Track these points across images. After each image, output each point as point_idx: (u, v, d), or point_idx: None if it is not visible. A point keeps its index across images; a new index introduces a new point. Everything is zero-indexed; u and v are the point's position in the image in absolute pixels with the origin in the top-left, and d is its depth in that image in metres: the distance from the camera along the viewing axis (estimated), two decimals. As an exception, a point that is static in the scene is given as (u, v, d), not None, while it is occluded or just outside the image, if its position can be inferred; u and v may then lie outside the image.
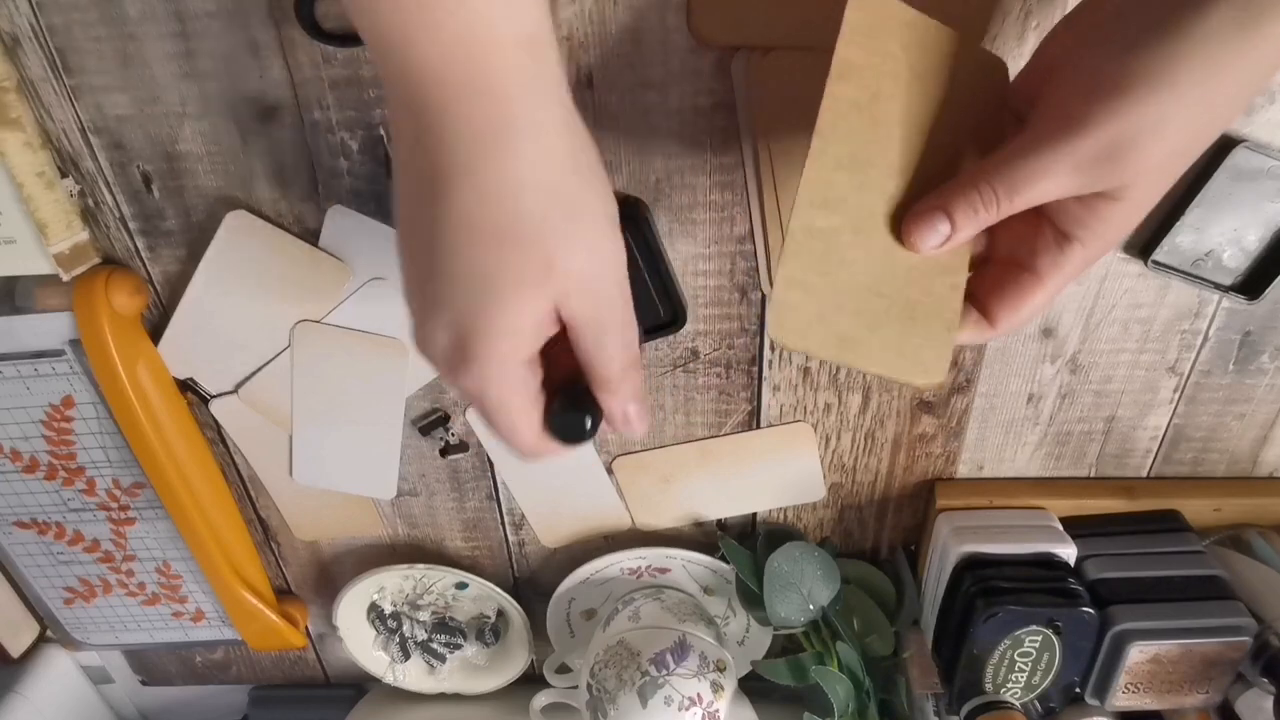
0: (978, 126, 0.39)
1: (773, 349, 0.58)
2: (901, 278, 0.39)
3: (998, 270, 0.39)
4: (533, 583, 0.73)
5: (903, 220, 0.37)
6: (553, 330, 0.34)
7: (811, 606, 0.62)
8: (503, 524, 0.69)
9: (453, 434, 0.64)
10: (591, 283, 0.33)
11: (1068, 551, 0.58)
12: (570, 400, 0.37)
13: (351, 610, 0.72)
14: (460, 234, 0.31)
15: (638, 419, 0.38)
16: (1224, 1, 0.30)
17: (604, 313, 0.34)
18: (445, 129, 0.30)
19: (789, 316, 0.38)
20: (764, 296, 0.56)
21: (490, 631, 0.74)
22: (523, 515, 0.68)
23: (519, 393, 0.35)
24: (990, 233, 0.38)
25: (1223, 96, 0.32)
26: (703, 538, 0.68)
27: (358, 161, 0.52)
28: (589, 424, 0.37)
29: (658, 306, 0.53)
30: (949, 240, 0.36)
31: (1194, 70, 0.31)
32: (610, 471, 0.65)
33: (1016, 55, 0.46)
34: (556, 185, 0.31)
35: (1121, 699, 0.59)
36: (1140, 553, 0.60)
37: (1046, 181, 0.34)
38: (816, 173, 0.37)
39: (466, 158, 0.30)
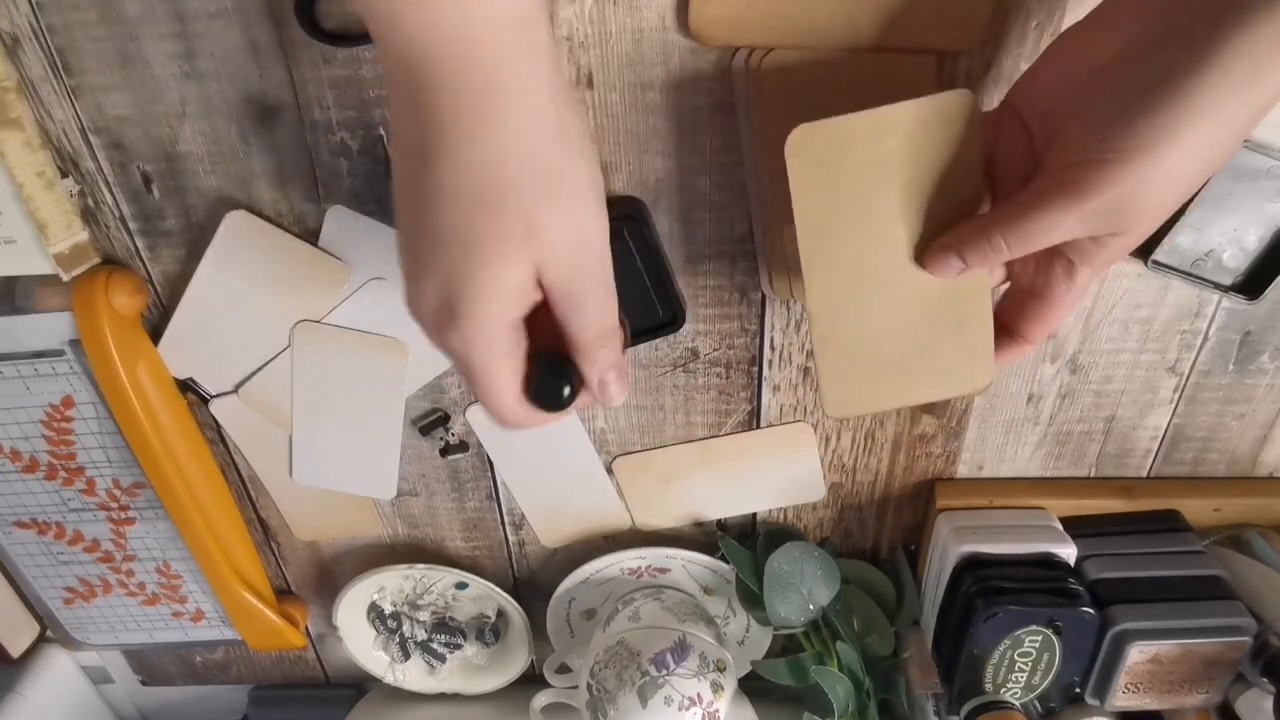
0: (960, 155, 0.40)
1: (773, 349, 0.58)
2: (929, 311, 0.42)
3: (1018, 295, 0.43)
4: (533, 583, 0.73)
5: (926, 250, 0.40)
6: (536, 296, 0.35)
7: (811, 606, 0.62)
8: (503, 524, 0.69)
9: (453, 434, 0.64)
10: (570, 250, 0.34)
11: (1068, 551, 0.58)
12: (550, 368, 0.38)
13: (351, 610, 0.72)
14: (447, 198, 0.32)
15: (615, 388, 0.39)
16: (1227, 56, 0.31)
17: (582, 280, 0.35)
18: (436, 100, 0.31)
19: (838, 393, 0.42)
20: (764, 297, 0.56)
21: (490, 631, 0.74)
22: (523, 515, 0.68)
23: (502, 356, 0.36)
24: (1008, 264, 0.42)
25: (1225, 143, 0.33)
26: (703, 538, 0.68)
27: (358, 161, 0.52)
28: (567, 391, 0.38)
29: (656, 306, 0.53)
30: (963, 273, 0.40)
31: (1196, 131, 0.32)
32: (610, 471, 0.65)
33: (1017, 55, 0.46)
34: (541, 154, 0.32)
35: (1121, 699, 0.59)
36: (1140, 553, 0.60)
37: (1054, 233, 0.36)
38: (814, 269, 0.41)
39: (455, 127, 0.31)
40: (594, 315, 0.36)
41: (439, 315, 0.35)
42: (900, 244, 0.41)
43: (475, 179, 0.32)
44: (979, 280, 0.41)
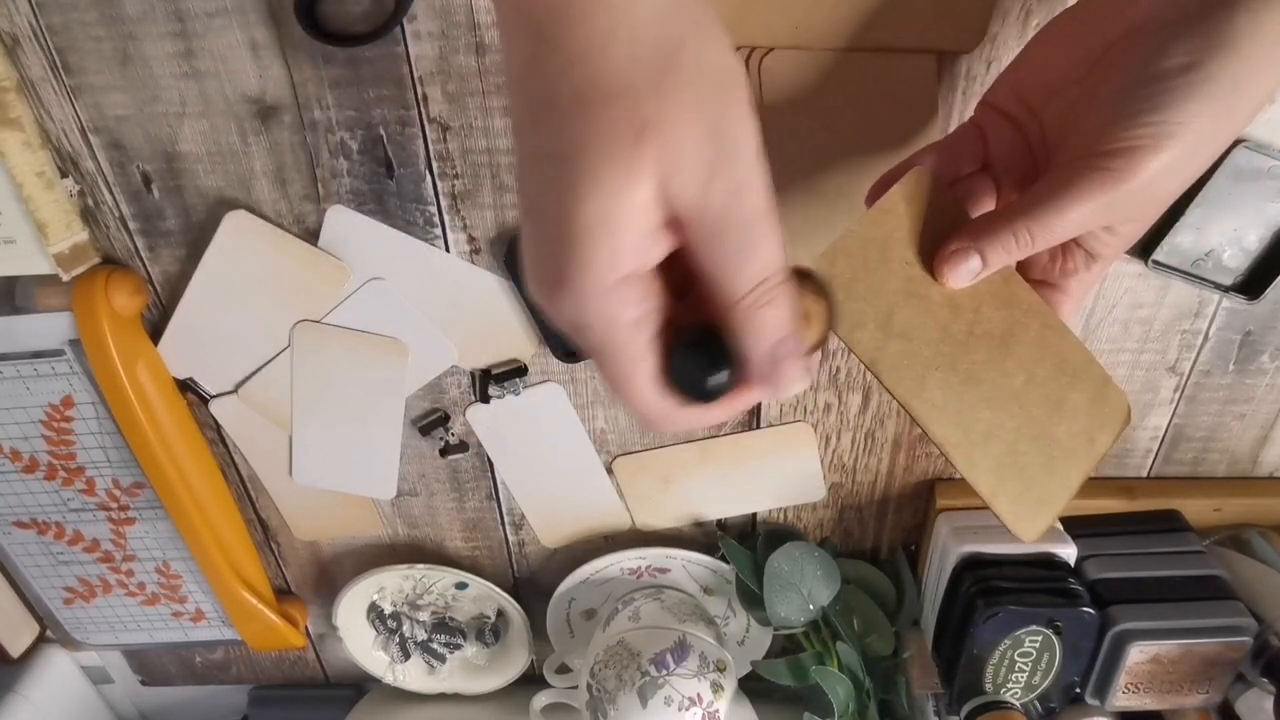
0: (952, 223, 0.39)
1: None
2: (1038, 377, 0.40)
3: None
4: (533, 583, 0.73)
5: (935, 259, 0.38)
6: (669, 241, 0.27)
7: (811, 606, 0.62)
8: (503, 524, 0.69)
9: (453, 434, 0.64)
10: (704, 158, 0.26)
11: (1068, 551, 0.58)
12: (695, 341, 0.28)
13: (351, 610, 0.72)
14: (547, 110, 0.26)
15: (791, 367, 0.29)
16: (1244, 38, 0.31)
17: (726, 201, 0.26)
18: (542, 20, 0.25)
19: (1019, 517, 0.40)
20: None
21: (490, 631, 0.74)
22: (523, 515, 0.68)
23: (624, 325, 0.27)
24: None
25: (1237, 125, 0.33)
26: (703, 538, 0.68)
27: (358, 161, 0.52)
28: (719, 374, 0.28)
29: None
30: (979, 275, 0.37)
31: (1215, 113, 0.32)
32: (610, 471, 0.65)
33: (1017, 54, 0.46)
34: (652, 31, 0.25)
35: (1122, 699, 0.59)
36: (1140, 553, 0.60)
37: (1085, 222, 0.35)
38: (927, 414, 0.39)
39: (551, 31, 0.25)
40: (748, 255, 0.27)
41: (546, 274, 0.27)
42: (959, 331, 0.39)
43: (573, 79, 0.25)
44: (1048, 317, 0.40)
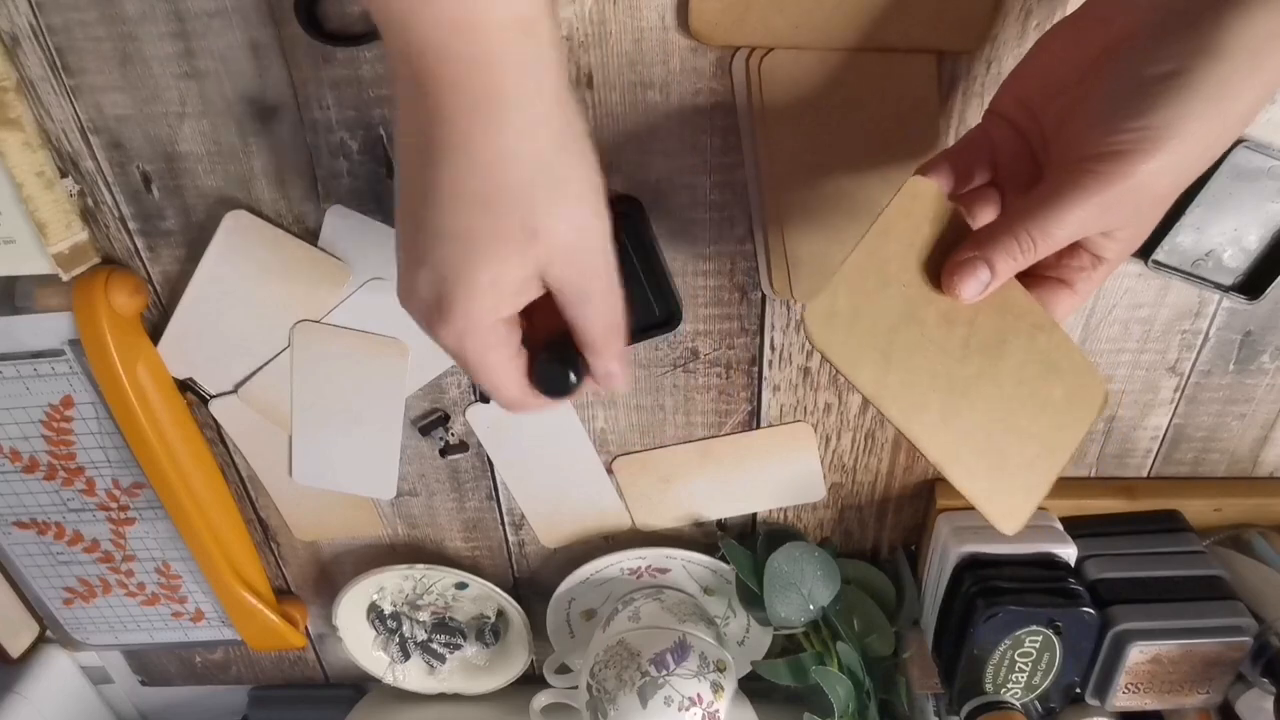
0: (955, 236, 0.39)
1: (773, 349, 0.58)
2: (1021, 373, 0.41)
3: (1034, 285, 0.41)
4: (533, 583, 0.73)
5: (943, 272, 0.38)
6: (535, 294, 0.36)
7: (811, 606, 0.62)
8: (503, 524, 0.69)
9: (453, 434, 0.64)
10: (574, 251, 0.34)
11: (1068, 551, 0.58)
12: (555, 354, 0.39)
13: (351, 610, 0.72)
14: (447, 198, 0.33)
15: (620, 377, 0.40)
16: (1231, 44, 0.31)
17: (587, 280, 0.36)
18: (440, 101, 0.31)
19: (1004, 512, 0.41)
20: (764, 297, 0.55)
21: (490, 631, 0.74)
22: (523, 515, 0.68)
23: (495, 349, 0.37)
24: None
25: (1229, 129, 0.33)
26: (703, 538, 0.68)
27: (358, 161, 0.52)
28: (573, 378, 0.39)
29: (653, 305, 0.53)
30: (989, 287, 0.38)
31: (1204, 118, 0.32)
32: (610, 471, 0.65)
33: (1017, 54, 0.46)
34: (543, 157, 0.32)
35: (1122, 699, 0.59)
36: (1140, 553, 0.60)
37: (1076, 226, 0.35)
38: (913, 422, 0.40)
39: (457, 128, 0.31)
40: (599, 313, 0.37)
41: (431, 309, 0.35)
42: (955, 348, 0.40)
43: (476, 181, 0.32)
44: (1039, 317, 0.40)
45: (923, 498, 0.65)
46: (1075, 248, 0.39)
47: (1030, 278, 0.41)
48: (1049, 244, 0.36)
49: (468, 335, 0.35)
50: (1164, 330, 0.56)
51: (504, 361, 0.37)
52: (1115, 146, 0.33)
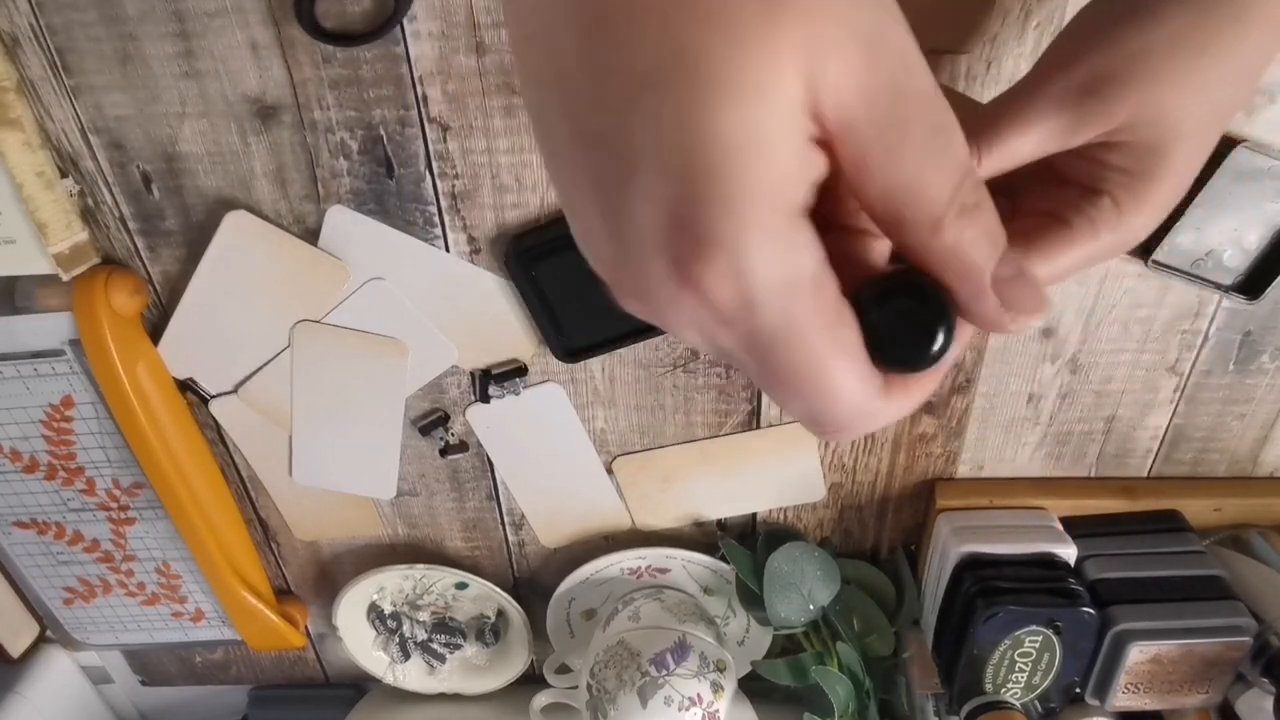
0: None
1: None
2: None
3: (1027, 223, 0.31)
4: (533, 583, 0.73)
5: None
6: (820, 163, 0.19)
7: (811, 606, 0.62)
8: (503, 524, 0.69)
9: (452, 434, 0.64)
10: (863, 37, 0.18)
11: (1068, 551, 0.58)
12: (884, 294, 0.22)
13: (351, 610, 0.72)
14: (606, 23, 0.18)
15: (1028, 295, 0.21)
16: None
17: (898, 86, 0.19)
18: None
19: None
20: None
21: (490, 631, 0.74)
22: (523, 515, 0.68)
23: (807, 280, 0.19)
24: (1014, 196, 0.32)
25: (1212, 32, 0.28)
26: (703, 538, 0.68)
27: (358, 161, 0.52)
28: (939, 328, 0.21)
29: None
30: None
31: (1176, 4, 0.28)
32: (610, 471, 0.65)
33: (1017, 55, 0.46)
34: None
35: (1122, 699, 0.59)
36: (1140, 553, 0.60)
37: (1028, 124, 0.29)
38: None
39: None
40: (940, 152, 0.20)
41: (668, 241, 0.19)
42: None
43: None
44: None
45: (923, 498, 0.65)
46: (1062, 183, 0.31)
47: (1025, 215, 0.32)
48: (994, 148, 0.29)
49: (749, 264, 0.18)
50: (1164, 330, 0.56)
51: (823, 309, 0.20)
52: (1070, 35, 0.31)
